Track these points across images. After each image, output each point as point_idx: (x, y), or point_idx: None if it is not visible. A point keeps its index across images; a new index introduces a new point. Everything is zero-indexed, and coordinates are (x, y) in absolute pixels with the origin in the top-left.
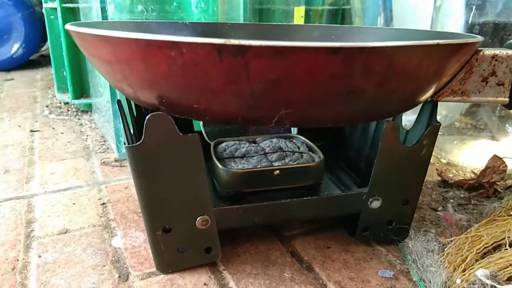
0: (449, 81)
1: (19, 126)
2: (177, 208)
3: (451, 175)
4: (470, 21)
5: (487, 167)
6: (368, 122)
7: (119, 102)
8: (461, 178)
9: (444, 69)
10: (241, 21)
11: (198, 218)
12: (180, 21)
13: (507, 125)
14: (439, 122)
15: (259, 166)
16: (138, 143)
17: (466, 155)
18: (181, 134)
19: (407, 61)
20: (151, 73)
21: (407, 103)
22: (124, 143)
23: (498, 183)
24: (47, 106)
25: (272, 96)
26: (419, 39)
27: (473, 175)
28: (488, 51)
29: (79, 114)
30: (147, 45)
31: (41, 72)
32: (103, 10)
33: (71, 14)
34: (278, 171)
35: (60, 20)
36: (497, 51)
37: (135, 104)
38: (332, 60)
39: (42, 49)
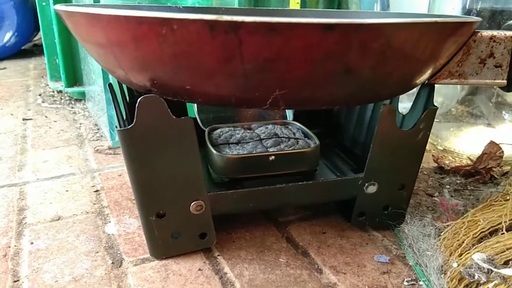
0: (447, 63)
1: (12, 114)
2: (170, 193)
3: (447, 162)
4: (467, 7)
5: (483, 153)
6: (364, 104)
7: (110, 85)
8: (457, 164)
9: (441, 50)
10: (236, 5)
11: (192, 203)
12: (173, 5)
13: (503, 112)
14: (435, 106)
15: (254, 152)
16: (129, 126)
17: (462, 142)
18: (174, 117)
19: (404, 40)
20: (142, 52)
21: (404, 85)
22: (116, 127)
23: (494, 169)
24: (40, 95)
25: (266, 76)
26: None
27: (469, 162)
28: (486, 32)
29: (72, 102)
30: (138, 22)
31: (34, 61)
32: None
33: (64, 1)
34: (273, 157)
35: (52, 6)
36: (495, 32)
37: (127, 88)
38: (328, 37)
39: (35, 38)
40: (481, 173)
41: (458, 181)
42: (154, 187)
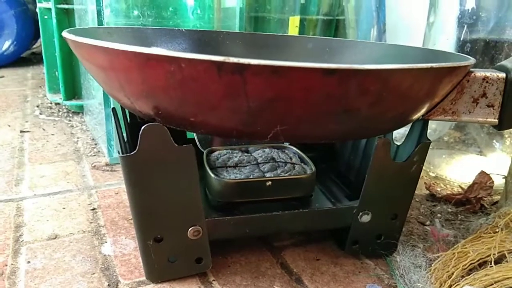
0: (441, 101)
1: (9, 126)
2: (169, 218)
3: (439, 189)
4: (462, 38)
5: (474, 183)
6: (361, 139)
7: (114, 110)
8: (448, 192)
9: (436, 91)
10: (237, 29)
11: (190, 229)
12: (176, 28)
13: (494, 141)
14: (429, 140)
15: (251, 177)
16: (132, 152)
17: (454, 170)
18: (176, 145)
19: (401, 83)
20: (149, 85)
21: (399, 122)
22: (118, 152)
23: (484, 198)
24: (37, 106)
25: (268, 113)
26: (412, 56)
27: (460, 190)
28: (479, 73)
29: (70, 115)
30: (147, 59)
31: (32, 71)
32: (99, 13)
33: (65, 15)
34: (270, 182)
35: (54, 21)
36: (488, 73)
37: (129, 111)
38: (328, 80)
39: (33, 46)
40: (471, 203)
41: (450, 210)
42: (154, 212)
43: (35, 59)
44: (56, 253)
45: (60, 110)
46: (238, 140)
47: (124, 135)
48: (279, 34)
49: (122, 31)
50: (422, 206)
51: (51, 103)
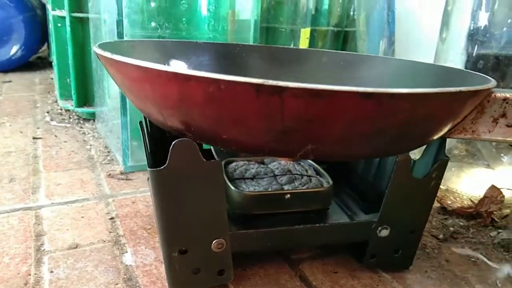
0: (462, 120)
1: (21, 132)
2: (194, 231)
3: (449, 202)
4: (474, 54)
5: (485, 197)
6: (385, 157)
7: (141, 123)
8: (459, 205)
9: (461, 112)
10: (251, 41)
11: (214, 241)
12: (194, 41)
13: (502, 154)
14: (447, 157)
15: (269, 189)
16: (162, 167)
17: (463, 183)
18: (204, 160)
19: (430, 105)
20: (185, 104)
21: (422, 141)
22: (148, 166)
23: (495, 212)
24: (48, 112)
25: (301, 133)
26: (427, 73)
27: (470, 203)
28: (500, 94)
29: (81, 122)
30: (186, 79)
31: (39, 75)
32: (119, 24)
33: (79, 24)
34: (289, 195)
35: (68, 29)
36: (508, 94)
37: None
38: (365, 103)
39: (39, 51)
40: (482, 216)
41: (461, 223)
42: (180, 224)
43: (41, 64)
44: (78, 262)
45: (71, 116)
46: (269, 156)
47: (149, 148)
48: (294, 47)
49: (144, 44)
50: (434, 219)
51: (61, 109)
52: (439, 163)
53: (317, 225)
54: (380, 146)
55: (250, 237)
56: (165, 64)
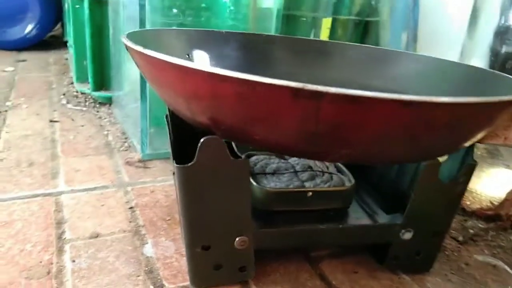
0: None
1: (37, 114)
2: (218, 228)
3: (468, 203)
4: (503, 52)
5: (505, 200)
6: (417, 162)
7: (167, 117)
8: (478, 206)
9: (496, 120)
10: (273, 30)
11: (237, 238)
12: (218, 30)
13: None
14: (475, 162)
15: (291, 186)
16: (190, 164)
17: (483, 183)
18: (232, 158)
19: (469, 114)
20: (218, 103)
21: (456, 147)
22: (174, 161)
23: None
24: (63, 94)
25: (335, 137)
26: (460, 74)
27: (489, 205)
28: None
29: (97, 106)
30: (221, 80)
31: (54, 55)
32: (141, 9)
33: (98, 6)
34: (311, 193)
35: (86, 11)
36: None
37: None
38: (404, 111)
39: (53, 29)
40: (502, 219)
41: (480, 226)
42: (204, 221)
43: (55, 43)
44: (99, 252)
45: (87, 100)
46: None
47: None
48: (320, 40)
49: (169, 33)
50: (454, 220)
51: (76, 92)
52: (467, 168)
53: (341, 226)
54: (413, 152)
55: (272, 235)
56: (188, 55)
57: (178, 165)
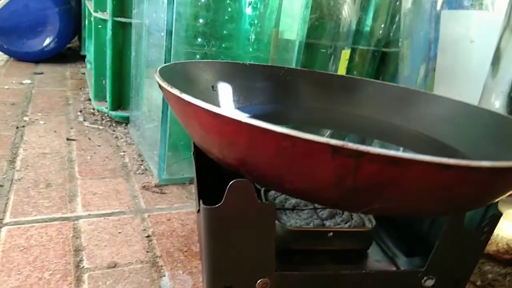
0: None
1: (55, 132)
2: (241, 269)
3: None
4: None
5: None
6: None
7: (194, 155)
8: (494, 249)
9: None
10: (294, 62)
11: (259, 280)
12: (242, 62)
13: None
14: (500, 212)
15: (311, 224)
16: (217, 205)
17: (499, 225)
18: (259, 201)
19: (505, 177)
20: (252, 153)
21: (485, 203)
22: (201, 202)
23: None
24: (80, 111)
25: (371, 194)
26: (489, 123)
27: (505, 247)
28: None
29: (114, 124)
30: (260, 132)
31: (70, 69)
32: (168, 39)
33: (121, 28)
34: (331, 233)
35: (109, 33)
36: None
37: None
38: (444, 173)
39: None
40: None
41: (497, 270)
42: (227, 262)
43: (71, 55)
44: (117, 284)
45: (104, 118)
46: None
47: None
48: (339, 75)
49: (196, 65)
50: None
51: (93, 109)
52: (492, 218)
53: (363, 271)
54: (445, 208)
55: (295, 279)
56: (213, 87)
57: (205, 206)
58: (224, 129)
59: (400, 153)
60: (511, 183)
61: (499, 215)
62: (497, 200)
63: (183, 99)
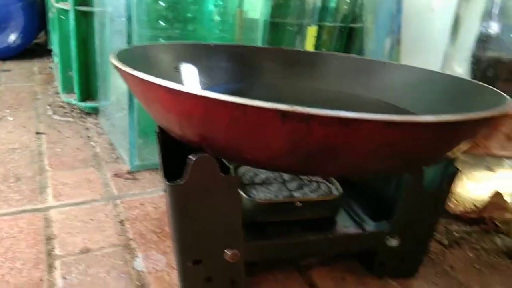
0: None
1: (24, 127)
2: (209, 243)
3: (452, 206)
4: (483, 59)
5: (488, 202)
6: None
7: (157, 134)
8: (461, 209)
9: (479, 132)
10: (259, 41)
11: (228, 252)
12: (205, 43)
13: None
14: (458, 168)
15: (280, 196)
16: (181, 181)
17: (466, 186)
18: (223, 175)
19: (453, 130)
20: (210, 125)
21: (439, 159)
22: (165, 179)
23: (498, 218)
24: (49, 105)
25: (324, 157)
26: (445, 84)
27: (472, 207)
28: None
29: (83, 116)
30: (213, 104)
31: (38, 64)
32: (129, 23)
33: (83, 17)
34: (299, 203)
35: (72, 23)
36: None
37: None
38: (392, 131)
39: (37, 37)
40: (486, 222)
41: (464, 229)
42: (195, 236)
43: (39, 51)
44: (90, 268)
45: (73, 110)
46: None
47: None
48: (306, 51)
49: (156, 48)
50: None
51: (62, 102)
52: (450, 175)
53: (330, 236)
54: (397, 166)
55: (263, 248)
56: (176, 68)
57: (169, 183)
58: (179, 103)
59: (348, 113)
60: (458, 137)
61: (456, 171)
62: (448, 154)
63: (138, 77)
